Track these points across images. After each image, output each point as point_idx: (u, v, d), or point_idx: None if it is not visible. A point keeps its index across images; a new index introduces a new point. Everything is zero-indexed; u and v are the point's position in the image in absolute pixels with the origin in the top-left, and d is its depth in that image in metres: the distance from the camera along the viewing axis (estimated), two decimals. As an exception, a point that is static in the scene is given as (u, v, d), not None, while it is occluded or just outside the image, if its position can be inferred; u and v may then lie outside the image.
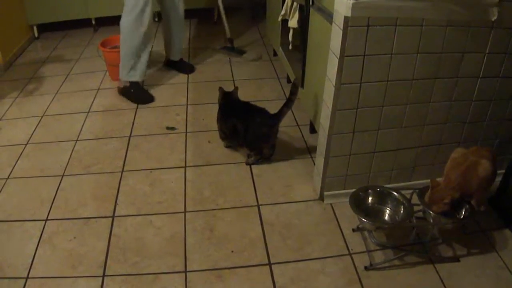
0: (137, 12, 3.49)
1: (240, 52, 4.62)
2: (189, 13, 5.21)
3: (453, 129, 2.49)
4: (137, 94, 3.80)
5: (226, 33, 4.62)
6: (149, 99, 3.81)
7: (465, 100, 2.40)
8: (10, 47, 4.68)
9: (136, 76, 3.76)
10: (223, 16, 4.54)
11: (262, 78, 4.09)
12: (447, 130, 2.48)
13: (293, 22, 3.04)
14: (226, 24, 4.57)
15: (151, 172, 2.92)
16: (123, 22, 3.57)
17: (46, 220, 2.56)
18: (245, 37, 5.17)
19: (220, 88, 3.08)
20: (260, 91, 3.86)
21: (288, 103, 2.83)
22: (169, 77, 4.20)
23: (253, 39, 5.11)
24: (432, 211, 2.15)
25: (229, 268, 2.23)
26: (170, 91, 3.95)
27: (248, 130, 2.88)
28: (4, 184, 2.86)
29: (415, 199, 2.30)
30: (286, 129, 3.30)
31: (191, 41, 5.09)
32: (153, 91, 3.90)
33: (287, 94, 3.58)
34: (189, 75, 4.21)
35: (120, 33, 3.62)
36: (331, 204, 2.60)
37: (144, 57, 3.73)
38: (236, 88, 3.08)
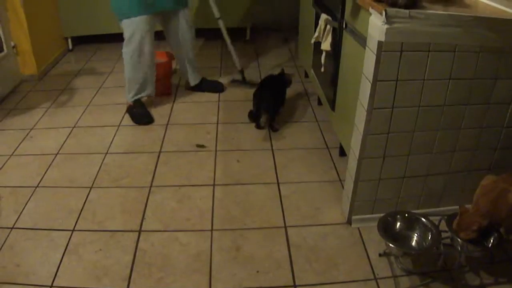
0: (136, 44, 3.55)
1: (252, 84, 4.31)
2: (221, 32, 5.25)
3: (483, 155, 2.47)
4: (137, 113, 3.80)
5: (236, 65, 4.43)
6: (148, 120, 3.77)
7: (496, 126, 2.38)
8: (45, 58, 4.78)
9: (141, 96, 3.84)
10: (231, 48, 4.34)
11: (293, 99, 4.08)
12: (477, 156, 2.46)
13: (326, 45, 3.04)
14: (234, 56, 4.39)
15: (179, 188, 2.93)
16: (123, 53, 3.65)
17: (73, 230, 2.59)
18: (277, 58, 5.19)
19: (282, 68, 3.96)
20: (290, 112, 3.86)
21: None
22: (200, 95, 4.22)
23: (285, 60, 5.12)
24: (459, 238, 2.13)
25: (253, 288, 2.24)
26: (201, 109, 3.97)
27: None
28: (33, 192, 2.90)
29: (443, 226, 2.28)
30: (316, 151, 3.31)
31: (222, 59, 5.12)
32: (184, 109, 3.94)
33: (318, 116, 3.64)
34: (220, 94, 4.23)
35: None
36: (358, 228, 2.59)
37: (149, 82, 3.81)
38: (286, 73, 3.91)
